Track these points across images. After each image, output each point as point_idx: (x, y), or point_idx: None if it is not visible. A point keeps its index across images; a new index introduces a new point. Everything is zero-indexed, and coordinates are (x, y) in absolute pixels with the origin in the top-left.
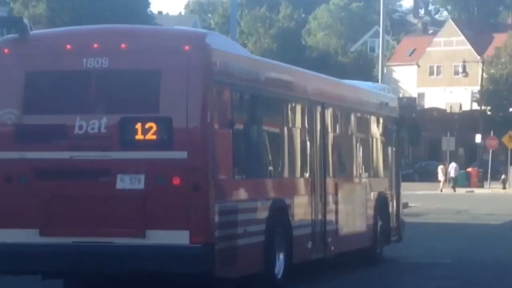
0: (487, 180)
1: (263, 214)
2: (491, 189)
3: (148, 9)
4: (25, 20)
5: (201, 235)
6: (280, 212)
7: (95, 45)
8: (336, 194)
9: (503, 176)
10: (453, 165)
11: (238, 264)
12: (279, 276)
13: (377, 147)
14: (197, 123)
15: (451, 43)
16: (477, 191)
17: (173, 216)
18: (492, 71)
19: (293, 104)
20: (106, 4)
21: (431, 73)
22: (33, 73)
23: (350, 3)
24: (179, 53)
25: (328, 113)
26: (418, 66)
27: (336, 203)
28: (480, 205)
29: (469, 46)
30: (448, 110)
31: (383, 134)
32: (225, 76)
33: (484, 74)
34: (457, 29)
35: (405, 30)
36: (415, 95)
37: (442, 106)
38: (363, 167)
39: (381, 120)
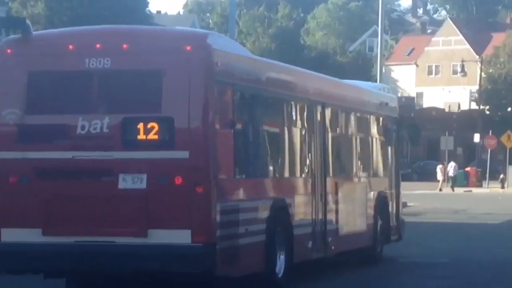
0: (485, 179)
1: (264, 213)
2: (489, 188)
3: (147, 9)
4: (28, 21)
5: (203, 235)
6: (281, 211)
7: (97, 46)
8: (336, 193)
9: (501, 176)
10: (452, 165)
11: (240, 263)
12: (280, 276)
13: (377, 146)
14: (199, 123)
15: (449, 42)
16: (476, 190)
17: (175, 215)
18: (490, 70)
19: (294, 104)
20: (105, 4)
21: (430, 73)
22: (35, 73)
23: (349, 2)
24: (180, 53)
25: (329, 113)
26: (417, 65)
27: (336, 202)
28: (478, 205)
29: (467, 46)
30: (447, 110)
31: (383, 134)
32: (227, 76)
33: (482, 73)
34: (455, 28)
35: (404, 30)
36: (413, 94)
37: (440, 105)
38: (363, 166)
39: (381, 120)
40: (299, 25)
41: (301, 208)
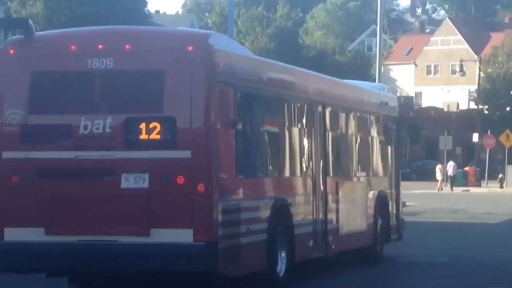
0: (484, 179)
1: (265, 213)
2: (488, 188)
3: (146, 8)
4: (30, 22)
5: (205, 234)
6: (282, 211)
7: (100, 46)
8: (336, 193)
9: (500, 175)
10: (451, 164)
11: (241, 262)
12: (281, 274)
13: (377, 146)
14: (201, 123)
15: (448, 42)
16: (475, 190)
17: (177, 214)
18: (489, 70)
19: (295, 104)
20: (103, 4)
21: (428, 72)
22: (38, 74)
23: (347, 2)
24: (182, 53)
25: (329, 112)
26: (416, 65)
27: (336, 202)
28: (477, 204)
29: (466, 45)
30: (446, 109)
31: (383, 133)
32: (228, 77)
33: (481, 73)
34: (454, 28)
35: (402, 29)
36: (412, 94)
37: (439, 105)
38: (364, 166)
39: (381, 120)
40: (297, 24)
41: (302, 207)
